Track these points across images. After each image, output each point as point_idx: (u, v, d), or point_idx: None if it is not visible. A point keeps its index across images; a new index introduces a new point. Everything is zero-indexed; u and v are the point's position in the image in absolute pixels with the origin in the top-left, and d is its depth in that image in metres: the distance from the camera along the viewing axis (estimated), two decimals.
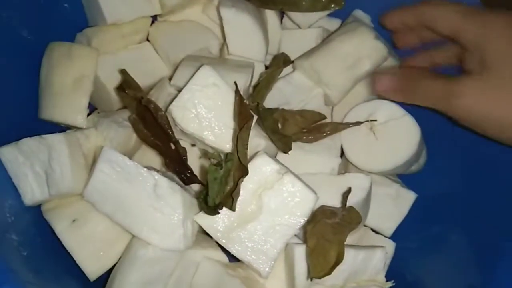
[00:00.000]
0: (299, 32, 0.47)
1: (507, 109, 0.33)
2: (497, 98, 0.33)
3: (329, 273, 0.32)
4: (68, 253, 0.34)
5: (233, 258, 0.37)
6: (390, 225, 0.42)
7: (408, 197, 0.42)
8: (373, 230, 0.42)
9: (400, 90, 0.39)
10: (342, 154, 0.42)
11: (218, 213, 0.33)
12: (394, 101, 0.40)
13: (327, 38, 0.44)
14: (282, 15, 0.48)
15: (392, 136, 0.40)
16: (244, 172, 0.33)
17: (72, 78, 0.39)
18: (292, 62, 0.45)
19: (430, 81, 0.36)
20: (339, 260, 0.32)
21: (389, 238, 0.42)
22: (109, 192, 0.33)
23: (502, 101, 0.33)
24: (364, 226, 0.42)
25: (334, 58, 0.42)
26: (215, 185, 0.33)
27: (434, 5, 0.38)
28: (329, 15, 0.47)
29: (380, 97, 0.41)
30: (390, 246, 0.41)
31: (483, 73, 0.34)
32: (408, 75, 0.39)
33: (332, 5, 0.45)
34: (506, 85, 0.33)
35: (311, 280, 0.32)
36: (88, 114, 0.40)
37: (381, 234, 0.42)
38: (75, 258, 0.34)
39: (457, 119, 0.35)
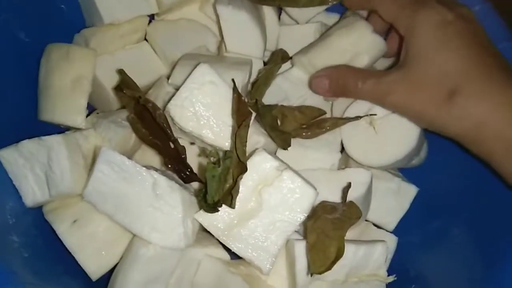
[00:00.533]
0: (297, 28, 0.47)
1: (424, 104, 0.34)
2: (415, 92, 0.34)
3: (329, 268, 0.32)
4: (70, 254, 0.34)
5: (234, 256, 0.37)
6: (391, 219, 0.42)
7: (410, 191, 0.42)
8: (374, 225, 0.42)
9: (333, 92, 0.40)
10: (343, 149, 0.42)
11: (218, 210, 0.33)
12: None
13: (325, 33, 0.44)
14: (279, 11, 0.48)
15: (392, 130, 0.40)
16: (243, 169, 0.33)
17: (70, 79, 0.39)
18: (291, 58, 0.45)
19: (361, 82, 0.38)
20: (339, 255, 0.32)
21: (391, 232, 0.42)
22: (109, 192, 0.33)
23: (420, 96, 0.34)
24: (366, 220, 0.42)
25: (332, 53, 0.42)
26: (213, 182, 0.33)
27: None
28: (327, 9, 0.47)
29: None
30: (392, 240, 0.41)
31: (407, 67, 0.35)
32: (340, 76, 0.39)
33: (329, 0, 0.45)
34: (423, 81, 0.34)
35: (312, 276, 0.32)
36: (88, 115, 0.41)
37: (383, 229, 0.42)
38: (77, 259, 0.35)
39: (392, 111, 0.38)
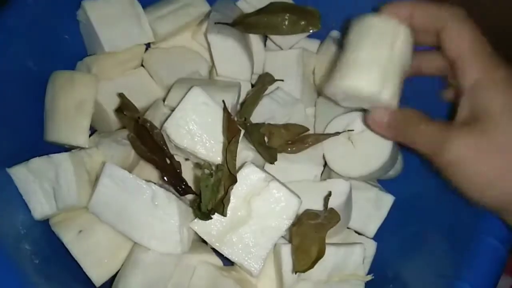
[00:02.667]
0: (281, 53, 0.51)
1: (498, 169, 0.30)
2: (490, 156, 0.30)
3: (311, 267, 0.35)
4: (76, 261, 0.37)
5: (226, 262, 0.40)
6: (371, 227, 0.45)
7: (387, 200, 0.45)
8: (356, 232, 0.46)
9: (392, 128, 0.35)
10: (325, 163, 0.45)
11: (211, 218, 0.36)
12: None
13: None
14: (265, 38, 0.52)
15: (368, 144, 0.43)
16: (233, 180, 0.37)
17: (74, 102, 0.43)
18: (276, 80, 0.49)
19: (424, 125, 0.33)
20: (320, 255, 0.35)
21: (371, 238, 0.45)
22: (112, 204, 0.37)
23: (495, 160, 0.30)
24: (348, 228, 0.45)
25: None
26: (207, 192, 0.36)
27: (452, 15, 0.32)
28: (308, 36, 0.51)
29: (356, 109, 0.45)
30: (372, 245, 0.44)
31: (480, 126, 0.30)
32: (402, 114, 0.34)
33: (310, 28, 0.49)
34: (504, 145, 0.29)
35: (296, 274, 0.36)
36: (90, 136, 0.44)
37: (363, 235, 0.45)
38: (82, 266, 0.37)
39: (442, 171, 0.32)
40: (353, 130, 0.44)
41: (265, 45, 0.52)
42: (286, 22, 0.48)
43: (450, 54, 0.33)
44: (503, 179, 0.30)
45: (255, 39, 0.50)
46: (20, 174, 0.37)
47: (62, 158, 0.38)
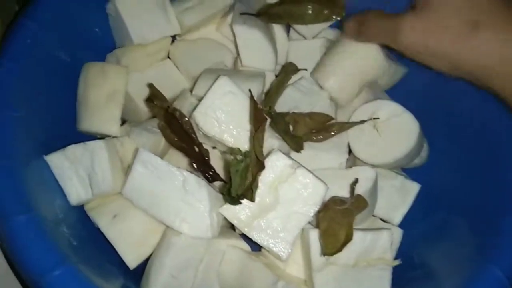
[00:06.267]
0: (305, 43, 0.51)
1: (443, 41, 0.34)
2: (433, 30, 0.35)
3: (339, 250, 0.35)
4: (110, 245, 0.39)
5: (254, 248, 0.41)
6: (397, 214, 0.45)
7: (413, 188, 0.45)
8: (382, 220, 0.46)
9: (357, 31, 0.42)
10: (350, 151, 0.46)
11: (240, 203, 0.37)
12: (394, 100, 0.45)
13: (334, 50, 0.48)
14: (288, 28, 0.53)
15: (393, 132, 0.44)
16: (261, 167, 0.38)
17: (105, 93, 0.44)
18: (299, 70, 0.49)
19: (378, 20, 0.40)
20: (348, 239, 0.36)
21: (397, 226, 0.45)
22: (145, 189, 0.38)
23: (438, 33, 0.35)
24: (373, 216, 0.45)
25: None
26: (237, 177, 0.37)
27: None
28: (331, 25, 0.51)
29: (381, 97, 0.45)
30: (398, 232, 0.44)
31: (421, 7, 0.36)
32: (362, 16, 0.42)
33: (334, 16, 0.49)
34: (440, 17, 0.34)
35: (324, 257, 0.36)
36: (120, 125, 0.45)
37: (389, 223, 0.45)
38: (116, 249, 0.39)
39: (403, 53, 0.38)
40: (378, 118, 0.44)
41: (288, 35, 0.52)
42: (310, 11, 0.49)
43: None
44: (446, 47, 0.34)
45: (278, 29, 0.51)
46: (57, 161, 0.39)
47: (97, 145, 0.39)
